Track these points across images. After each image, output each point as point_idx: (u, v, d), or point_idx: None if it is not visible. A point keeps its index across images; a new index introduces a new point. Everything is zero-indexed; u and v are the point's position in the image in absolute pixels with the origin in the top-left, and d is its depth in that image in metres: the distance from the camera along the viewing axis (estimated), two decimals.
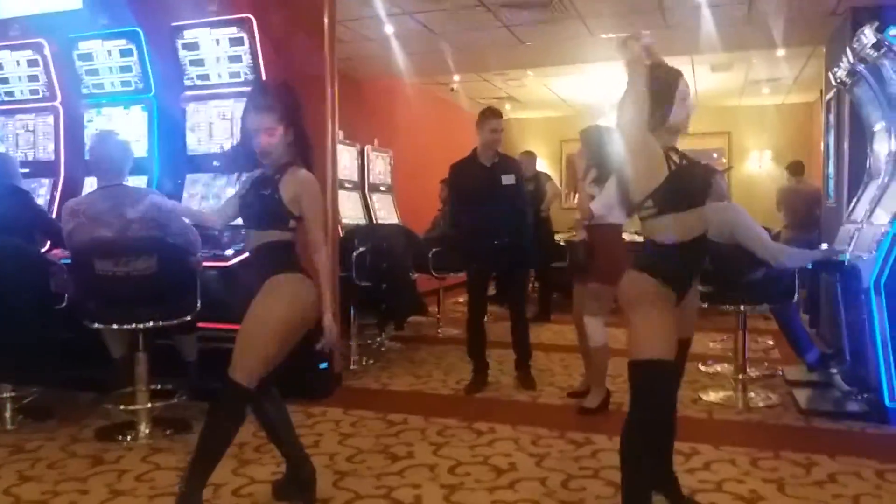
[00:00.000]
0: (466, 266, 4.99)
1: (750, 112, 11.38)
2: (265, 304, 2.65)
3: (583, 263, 4.10)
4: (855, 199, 4.83)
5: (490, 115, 4.73)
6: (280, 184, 2.68)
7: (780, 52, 7.80)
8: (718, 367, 5.10)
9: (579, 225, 4.24)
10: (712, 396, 4.41)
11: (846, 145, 5.73)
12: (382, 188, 7.77)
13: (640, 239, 2.68)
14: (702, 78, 9.30)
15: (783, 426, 3.87)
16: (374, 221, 7.15)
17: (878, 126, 4.53)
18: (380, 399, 4.51)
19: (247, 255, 2.99)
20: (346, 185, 6.92)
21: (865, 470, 3.13)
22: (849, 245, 4.29)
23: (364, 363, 5.48)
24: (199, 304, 3.74)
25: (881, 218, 4.06)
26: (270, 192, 2.67)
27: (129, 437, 3.66)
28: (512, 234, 4.60)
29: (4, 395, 3.98)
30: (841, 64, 4.60)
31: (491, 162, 4.70)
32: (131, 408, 3.77)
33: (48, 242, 4.32)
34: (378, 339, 6.13)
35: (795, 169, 7.74)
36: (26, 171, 4.65)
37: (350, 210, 6.89)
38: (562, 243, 5.82)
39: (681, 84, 2.51)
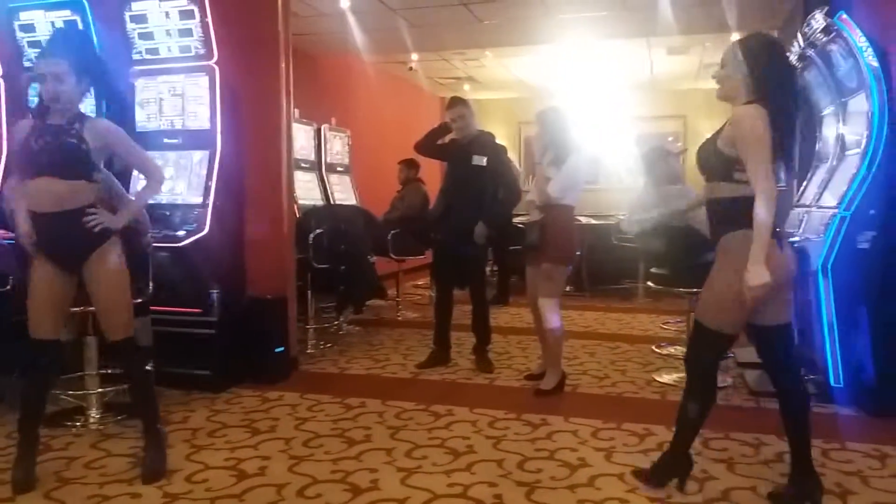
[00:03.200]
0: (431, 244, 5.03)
1: (705, 95, 11.48)
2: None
3: (536, 244, 4.11)
4: (804, 183, 4.93)
5: (450, 104, 4.75)
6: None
7: (734, 36, 7.88)
8: (672, 349, 5.20)
9: (533, 206, 4.25)
10: (665, 378, 4.49)
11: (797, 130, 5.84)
12: (340, 168, 7.67)
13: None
14: (658, 61, 9.39)
15: (734, 407, 3.96)
16: (332, 202, 7.07)
17: (827, 110, 4.62)
18: (337, 383, 4.48)
19: None
20: (303, 164, 6.82)
21: (811, 450, 3.21)
22: (799, 228, 4.38)
23: (321, 347, 5.43)
24: (151, 287, 3.64)
25: (829, 201, 4.15)
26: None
27: (78, 423, 3.57)
28: (472, 214, 4.60)
29: None
30: (791, 48, 4.67)
31: (468, 140, 4.69)
32: (80, 392, 3.67)
33: None
34: (336, 323, 6.08)
35: None
36: None
37: (307, 191, 6.80)
38: (519, 226, 5.83)
39: None
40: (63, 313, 3.00)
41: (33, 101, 4.55)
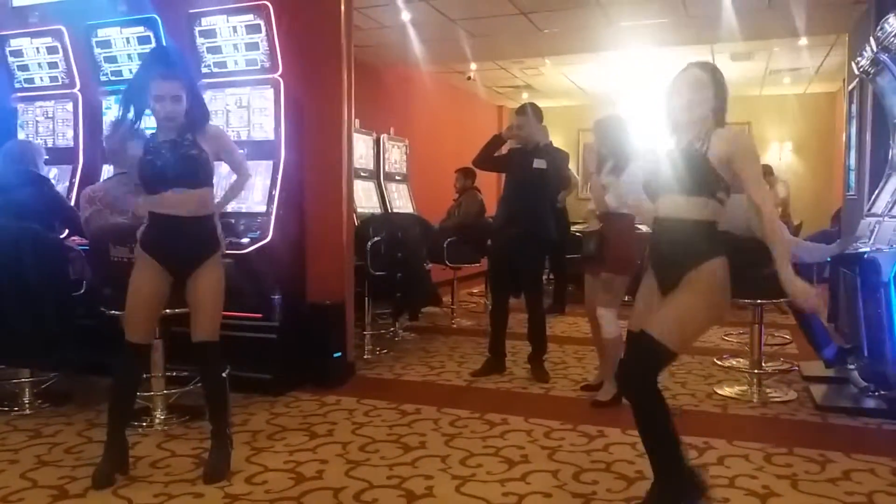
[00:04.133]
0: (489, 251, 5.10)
1: (771, 102, 11.22)
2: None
3: (595, 254, 4.08)
4: (876, 192, 4.76)
5: (517, 111, 4.79)
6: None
7: (803, 41, 7.68)
8: (734, 362, 5.07)
9: (592, 215, 4.22)
10: (727, 391, 4.38)
11: (868, 136, 5.64)
12: (398, 177, 7.76)
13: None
14: (721, 67, 9.09)
15: (798, 422, 3.84)
16: (390, 211, 7.15)
17: None
18: (393, 389, 4.53)
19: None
20: (362, 174, 6.92)
21: (880, 467, 3.10)
22: (869, 238, 4.23)
23: (378, 353, 5.49)
24: None
25: None
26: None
27: (144, 424, 3.70)
28: (530, 221, 4.60)
29: (23, 379, 4.05)
30: (864, 53, 4.52)
31: (530, 147, 4.72)
32: (147, 394, 3.81)
33: (67, 230, 4.37)
34: (392, 329, 6.14)
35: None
36: (46, 157, 4.69)
37: (365, 199, 6.89)
38: (577, 234, 5.79)
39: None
40: (158, 318, 3.20)
41: (107, 113, 4.82)
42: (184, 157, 2.94)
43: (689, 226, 2.46)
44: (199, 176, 2.98)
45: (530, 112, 4.70)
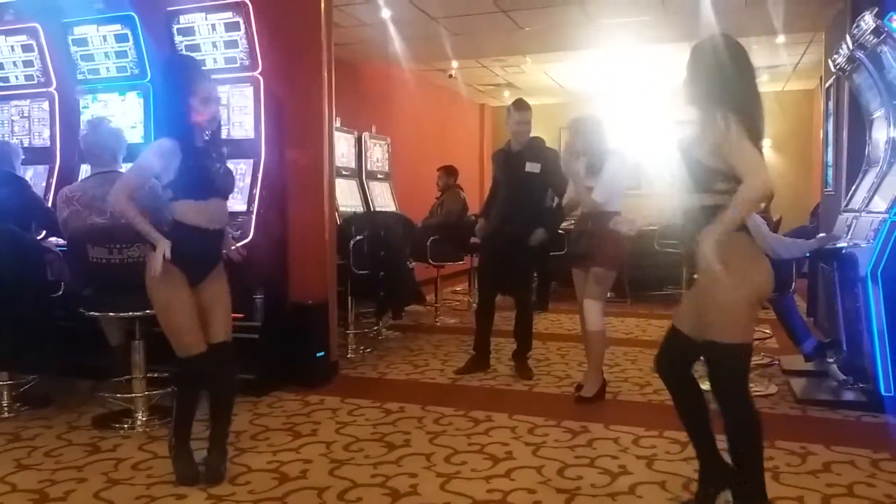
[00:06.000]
0: (480, 249, 5.11)
1: None
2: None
3: (585, 251, 4.09)
4: (853, 187, 4.82)
5: (517, 107, 4.75)
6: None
7: (780, 39, 7.75)
8: None
9: (570, 212, 4.28)
10: (708, 386, 4.40)
11: (845, 133, 5.71)
12: (380, 175, 7.74)
13: None
14: None
15: (779, 415, 3.88)
16: (372, 209, 7.14)
17: (877, 113, 4.51)
18: (377, 388, 4.52)
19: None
20: (344, 172, 6.90)
21: (860, 459, 3.14)
22: (846, 233, 4.28)
23: (361, 352, 5.48)
24: None
25: (879, 206, 4.05)
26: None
27: (126, 425, 3.67)
28: (524, 222, 4.61)
29: (2, 382, 3.99)
30: (840, 50, 4.58)
31: (519, 148, 4.71)
32: (128, 396, 3.77)
33: (44, 231, 4.31)
34: (375, 328, 6.12)
35: None
36: (23, 157, 4.63)
37: (348, 198, 6.87)
38: (560, 232, 5.81)
39: None
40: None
41: (84, 112, 4.77)
42: (228, 169, 3.05)
43: (699, 215, 2.35)
44: (229, 190, 3.08)
45: (530, 109, 4.71)
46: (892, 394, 3.71)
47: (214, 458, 2.99)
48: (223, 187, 3.00)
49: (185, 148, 2.85)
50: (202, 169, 2.88)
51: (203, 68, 3.07)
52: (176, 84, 2.91)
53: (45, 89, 5.03)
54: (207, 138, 2.97)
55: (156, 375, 3.83)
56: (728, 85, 2.33)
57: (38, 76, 5.03)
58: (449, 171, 7.59)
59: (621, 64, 9.05)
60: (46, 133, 5.05)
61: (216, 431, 3.02)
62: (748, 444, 2.42)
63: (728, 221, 2.23)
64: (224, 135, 4.43)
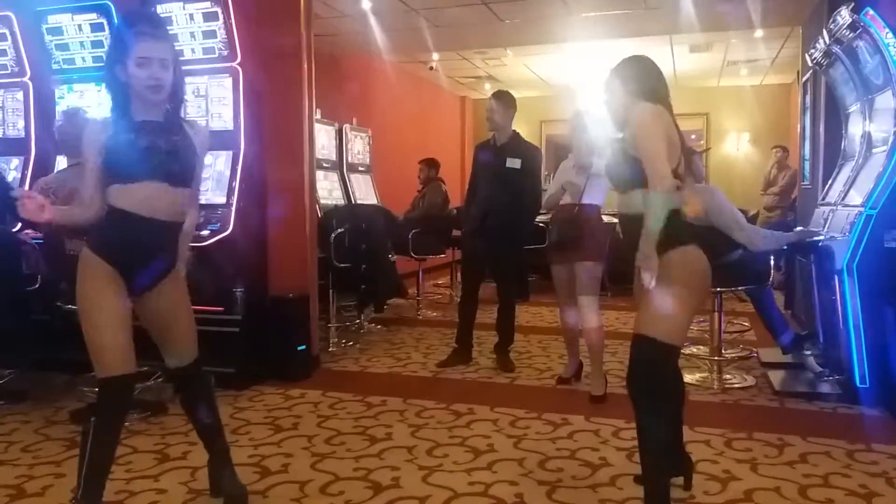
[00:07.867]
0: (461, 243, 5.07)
1: (728, 93, 11.43)
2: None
3: (572, 239, 4.04)
4: (830, 181, 4.88)
5: (493, 95, 4.74)
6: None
7: (759, 33, 7.83)
8: (694, 349, 5.14)
9: (551, 204, 4.29)
10: (688, 378, 4.44)
11: (822, 127, 5.78)
12: (361, 168, 7.70)
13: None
14: (680, 59, 9.31)
15: (757, 407, 3.93)
16: (353, 202, 7.10)
17: (853, 108, 4.57)
18: (359, 381, 4.51)
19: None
20: (324, 164, 6.86)
21: (836, 450, 3.18)
22: (823, 227, 4.34)
23: (343, 345, 5.46)
24: None
25: (855, 199, 4.11)
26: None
27: None
28: (506, 216, 4.60)
29: None
30: (817, 45, 4.62)
31: (503, 142, 4.69)
32: None
33: (19, 223, 4.23)
34: (357, 321, 6.11)
35: None
36: None
37: (329, 190, 6.84)
38: (539, 224, 5.82)
39: None
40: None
41: (59, 102, 4.69)
42: (177, 146, 2.36)
43: (640, 212, 2.37)
44: (186, 174, 2.40)
45: (497, 99, 4.68)
46: (867, 385, 3.77)
47: (230, 480, 2.66)
48: (162, 168, 2.32)
49: (114, 120, 2.35)
50: (128, 145, 2.30)
51: (149, 25, 2.38)
52: (109, 48, 2.48)
53: (19, 79, 4.94)
54: (161, 117, 2.39)
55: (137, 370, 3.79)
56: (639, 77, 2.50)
57: (11, 66, 4.94)
58: (430, 164, 7.57)
59: (602, 57, 9.06)
60: (21, 124, 4.96)
61: (216, 447, 2.70)
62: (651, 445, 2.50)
63: (650, 234, 2.31)
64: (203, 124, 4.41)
